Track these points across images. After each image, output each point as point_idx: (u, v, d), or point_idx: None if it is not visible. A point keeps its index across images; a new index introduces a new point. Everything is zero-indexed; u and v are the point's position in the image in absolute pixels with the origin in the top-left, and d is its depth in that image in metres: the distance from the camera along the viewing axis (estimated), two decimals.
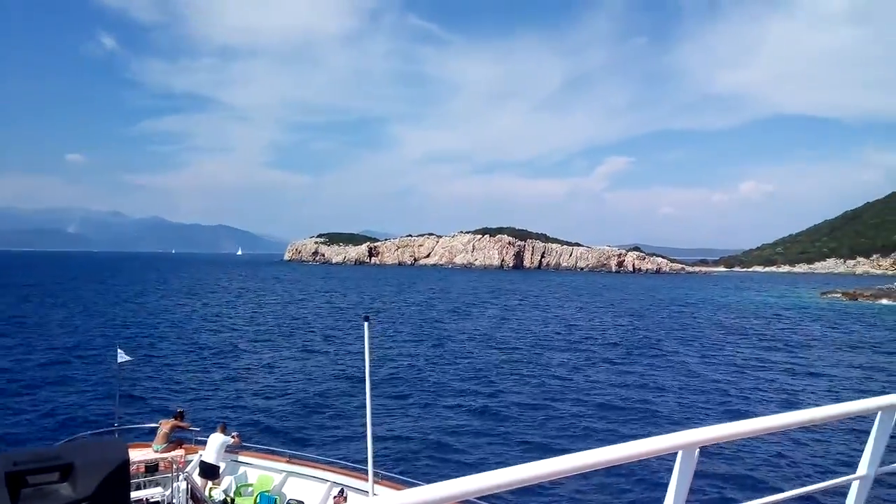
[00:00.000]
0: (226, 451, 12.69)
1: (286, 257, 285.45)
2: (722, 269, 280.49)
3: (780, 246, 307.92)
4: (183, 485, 11.71)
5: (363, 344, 9.24)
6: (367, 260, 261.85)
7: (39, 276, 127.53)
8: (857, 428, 18.68)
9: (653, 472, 14.86)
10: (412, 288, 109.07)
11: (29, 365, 30.19)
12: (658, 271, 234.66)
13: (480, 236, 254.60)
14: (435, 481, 1.83)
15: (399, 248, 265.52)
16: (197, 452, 12.91)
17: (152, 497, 11.39)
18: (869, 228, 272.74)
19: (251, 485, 12.58)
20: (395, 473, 11.94)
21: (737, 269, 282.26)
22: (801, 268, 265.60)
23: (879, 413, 3.00)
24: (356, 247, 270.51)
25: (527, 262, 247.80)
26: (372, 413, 9.28)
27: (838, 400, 21.56)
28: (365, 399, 9.29)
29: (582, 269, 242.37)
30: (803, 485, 2.97)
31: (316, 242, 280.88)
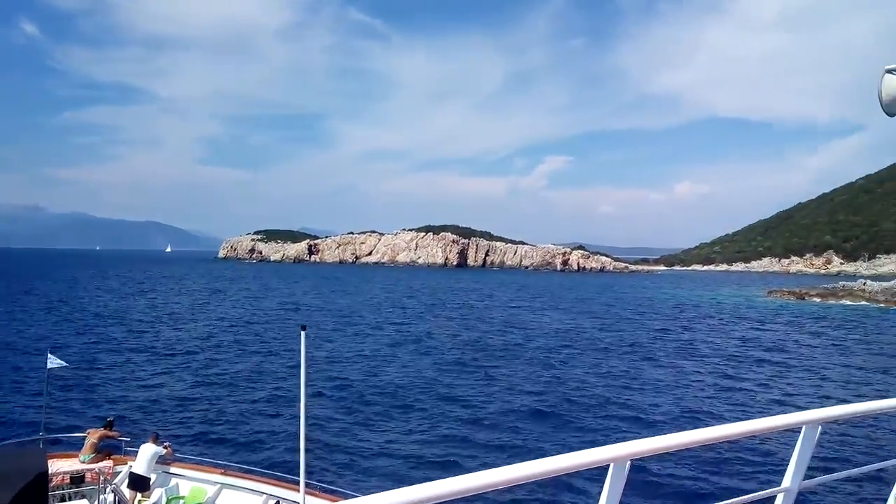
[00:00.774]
0: (157, 462, 12.36)
1: (221, 254, 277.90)
2: (663, 267, 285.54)
3: (718, 245, 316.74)
4: (110, 497, 11.59)
5: (300, 352, 9.25)
6: (307, 258, 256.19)
7: None
8: (786, 441, 17.94)
9: (583, 486, 14.61)
10: (354, 288, 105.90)
11: None
12: (602, 270, 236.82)
13: (424, 234, 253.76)
14: (367, 493, 1.93)
15: (340, 245, 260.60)
16: (126, 463, 12.61)
17: None
18: (801, 228, 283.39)
19: (183, 497, 12.29)
20: (328, 484, 11.74)
21: (677, 267, 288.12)
22: (738, 266, 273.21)
23: (804, 428, 3.15)
24: (295, 244, 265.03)
25: (471, 261, 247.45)
26: (306, 423, 9.20)
27: (785, 408, 23.03)
28: (300, 408, 9.21)
29: (527, 267, 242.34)
30: (731, 497, 3.00)
31: (253, 240, 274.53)
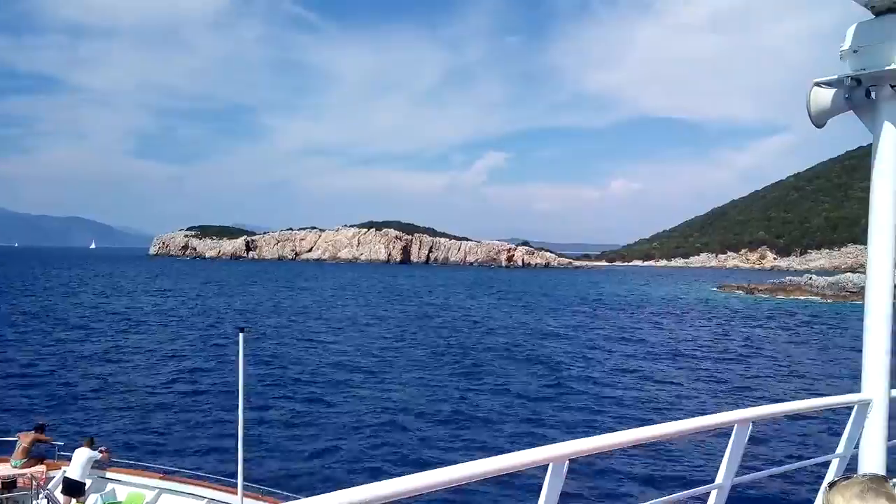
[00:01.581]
0: (93, 466, 12.00)
1: (152, 251, 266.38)
2: (604, 263, 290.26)
3: (657, 241, 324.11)
4: (44, 503, 11.55)
5: (237, 354, 9.12)
6: (245, 254, 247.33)
7: None
8: (720, 440, 15.83)
9: (523, 485, 14.23)
10: (295, 286, 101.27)
11: None
12: (547, 266, 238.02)
13: (366, 230, 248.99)
14: (306, 495, 2.08)
15: (279, 242, 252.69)
16: (60, 468, 12.23)
17: None
18: (735, 225, 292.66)
19: (120, 502, 12.15)
20: (266, 486, 11.49)
21: (618, 263, 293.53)
22: (677, 262, 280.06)
23: (735, 426, 3.25)
24: (232, 240, 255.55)
25: (414, 257, 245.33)
26: (244, 426, 9.14)
27: (736, 405, 22.74)
28: (237, 412, 9.14)
29: (471, 263, 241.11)
30: (666, 494, 3.08)
31: (186, 236, 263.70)
